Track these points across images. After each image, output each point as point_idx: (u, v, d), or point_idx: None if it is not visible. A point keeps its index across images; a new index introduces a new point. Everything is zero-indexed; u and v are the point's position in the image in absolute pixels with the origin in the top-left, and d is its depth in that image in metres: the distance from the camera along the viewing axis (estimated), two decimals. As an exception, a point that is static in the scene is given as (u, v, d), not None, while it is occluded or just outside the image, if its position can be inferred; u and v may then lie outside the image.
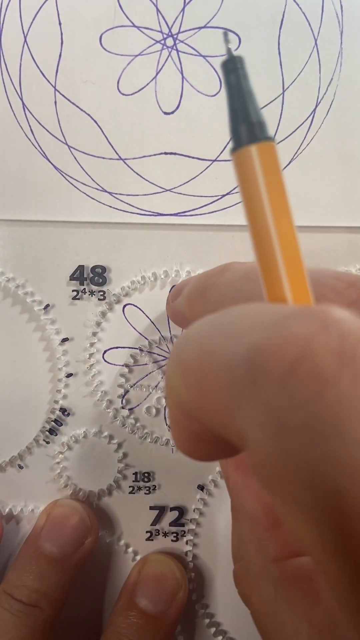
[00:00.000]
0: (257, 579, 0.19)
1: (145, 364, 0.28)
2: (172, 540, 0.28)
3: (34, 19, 0.28)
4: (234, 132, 0.16)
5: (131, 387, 0.28)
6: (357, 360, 0.11)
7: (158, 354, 0.28)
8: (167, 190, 0.28)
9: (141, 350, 0.28)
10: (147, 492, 0.28)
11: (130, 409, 0.28)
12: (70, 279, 0.28)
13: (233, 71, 0.16)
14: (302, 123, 0.28)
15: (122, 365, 0.28)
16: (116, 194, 0.28)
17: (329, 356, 0.11)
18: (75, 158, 0.28)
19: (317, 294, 0.15)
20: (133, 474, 0.28)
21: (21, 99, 0.28)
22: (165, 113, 0.28)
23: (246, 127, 0.16)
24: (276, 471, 0.11)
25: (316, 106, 0.29)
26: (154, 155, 0.28)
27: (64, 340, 0.28)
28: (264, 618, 0.19)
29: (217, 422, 0.13)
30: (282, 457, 0.11)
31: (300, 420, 0.11)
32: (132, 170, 0.28)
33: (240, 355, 0.12)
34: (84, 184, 0.28)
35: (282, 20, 0.28)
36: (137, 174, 0.28)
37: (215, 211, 0.28)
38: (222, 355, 0.13)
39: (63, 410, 0.28)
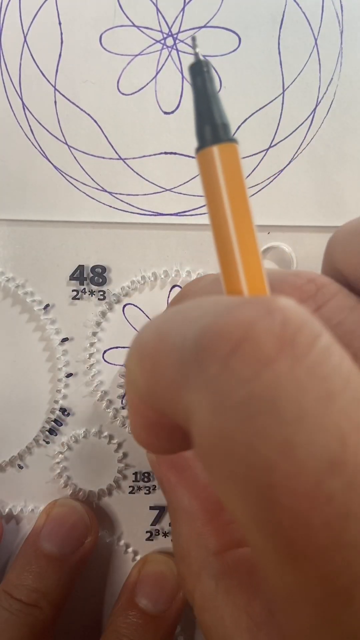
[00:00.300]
0: (198, 574, 0.19)
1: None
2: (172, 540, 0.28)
3: (33, 19, 0.28)
4: (199, 132, 0.17)
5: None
6: (296, 345, 0.12)
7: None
8: (167, 190, 0.28)
9: None
10: (147, 492, 0.28)
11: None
12: (70, 279, 0.28)
13: (199, 74, 0.17)
14: (302, 123, 0.28)
15: (123, 365, 0.28)
16: (116, 193, 0.28)
17: (270, 339, 0.12)
18: (75, 158, 0.28)
19: (276, 291, 0.16)
20: (133, 474, 0.28)
21: (21, 99, 0.28)
22: (165, 113, 0.28)
23: (210, 128, 0.17)
24: (215, 448, 0.12)
25: (316, 106, 0.29)
26: (154, 155, 0.28)
27: (64, 340, 0.28)
28: (204, 613, 0.19)
29: (168, 404, 0.14)
30: (221, 433, 0.12)
31: (238, 398, 0.12)
32: (132, 170, 0.28)
33: (190, 337, 0.13)
34: (84, 184, 0.28)
35: (282, 20, 0.28)
36: (137, 173, 0.28)
37: (215, 211, 0.28)
38: (175, 337, 0.14)
39: (63, 410, 0.28)
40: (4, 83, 0.28)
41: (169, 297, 0.28)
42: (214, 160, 0.16)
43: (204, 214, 0.28)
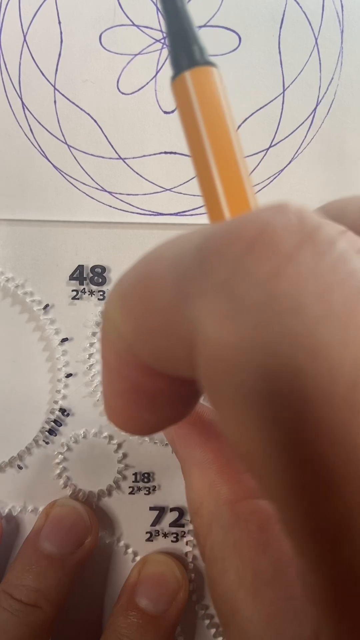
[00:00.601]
0: (209, 525, 0.18)
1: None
2: (172, 541, 0.28)
3: (33, 19, 0.28)
4: (173, 59, 0.15)
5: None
6: (316, 242, 0.11)
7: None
8: (167, 190, 0.28)
9: None
10: (147, 492, 0.28)
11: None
12: (70, 279, 0.28)
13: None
14: (302, 123, 0.28)
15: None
16: (116, 193, 0.28)
17: (289, 234, 0.11)
18: (75, 158, 0.28)
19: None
20: (133, 474, 0.28)
21: (21, 99, 0.28)
22: (165, 112, 0.28)
23: (185, 53, 0.15)
24: (228, 363, 0.11)
25: (316, 106, 0.28)
26: (154, 154, 0.28)
27: (64, 340, 0.28)
28: (212, 565, 0.18)
29: (164, 336, 0.12)
30: (236, 343, 0.10)
31: (256, 298, 0.10)
32: (132, 170, 0.28)
33: (190, 249, 0.12)
34: (84, 184, 0.28)
35: (282, 19, 0.28)
36: (137, 173, 0.28)
37: (215, 211, 0.28)
38: (169, 256, 0.12)
39: (63, 410, 0.28)
40: (3, 83, 0.28)
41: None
42: (187, 86, 0.15)
43: (204, 213, 0.28)
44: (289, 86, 0.28)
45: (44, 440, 0.28)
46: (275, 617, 0.16)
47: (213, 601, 0.18)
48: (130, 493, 0.28)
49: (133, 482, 0.28)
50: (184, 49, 0.15)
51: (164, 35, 0.28)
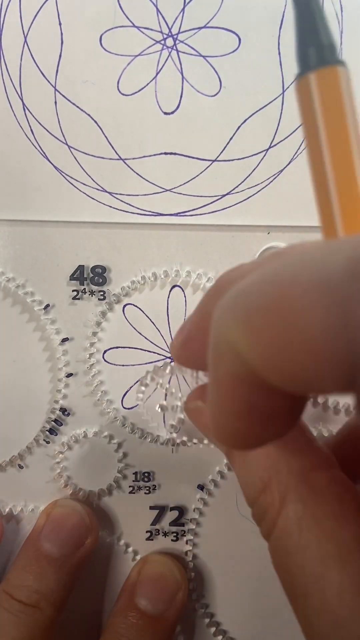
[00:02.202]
0: (283, 500, 0.18)
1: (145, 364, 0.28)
2: (172, 540, 0.28)
3: (34, 19, 0.28)
4: (300, 56, 0.14)
5: (131, 387, 0.28)
6: None
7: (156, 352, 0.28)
8: (167, 190, 0.28)
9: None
10: (147, 492, 0.28)
11: (129, 409, 0.28)
12: (70, 279, 0.28)
13: None
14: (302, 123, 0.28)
15: (124, 365, 0.28)
16: (116, 194, 0.28)
17: None
18: (75, 158, 0.28)
19: None
20: (133, 473, 0.28)
21: (21, 99, 0.28)
22: (165, 113, 0.28)
23: (315, 50, 0.14)
24: None
25: (316, 106, 0.29)
26: (154, 155, 0.28)
27: (64, 340, 0.28)
28: (287, 539, 0.17)
29: (306, 360, 0.12)
30: None
31: None
32: (132, 170, 0.28)
33: (338, 271, 0.12)
34: (84, 184, 0.28)
35: (282, 19, 0.28)
36: (137, 174, 0.28)
37: (215, 211, 0.28)
38: (311, 276, 0.12)
39: (63, 410, 0.28)
40: (4, 83, 0.28)
41: (168, 297, 0.28)
42: (309, 92, 0.14)
43: (204, 214, 0.28)
44: (288, 87, 0.28)
45: (44, 440, 0.28)
46: None
47: (284, 575, 0.17)
48: (131, 492, 0.28)
49: (133, 481, 0.28)
50: (312, 45, 0.14)
51: (164, 36, 0.28)
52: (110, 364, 0.28)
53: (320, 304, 0.12)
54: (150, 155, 0.28)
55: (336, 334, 0.11)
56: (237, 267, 0.18)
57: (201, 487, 0.28)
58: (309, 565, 0.17)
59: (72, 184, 0.28)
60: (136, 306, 0.28)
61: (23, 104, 0.28)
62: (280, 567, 0.18)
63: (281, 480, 0.18)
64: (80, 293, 0.28)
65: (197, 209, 0.28)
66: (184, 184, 0.28)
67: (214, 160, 0.28)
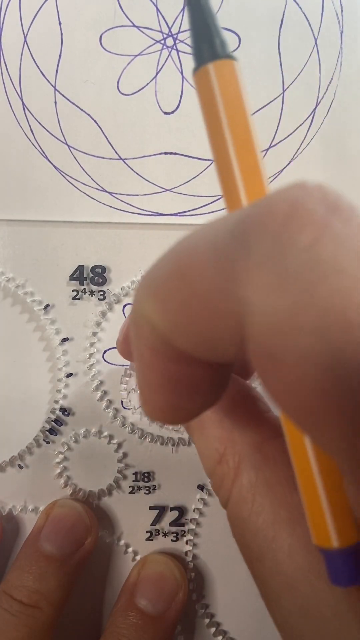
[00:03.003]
0: (237, 469, 0.19)
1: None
2: (172, 540, 0.28)
3: (34, 19, 0.28)
4: (195, 51, 0.16)
5: (132, 389, 0.28)
6: (341, 208, 0.12)
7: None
8: (167, 190, 0.28)
9: None
10: (147, 492, 0.28)
11: (130, 409, 0.28)
12: (70, 279, 0.28)
13: None
14: (302, 123, 0.28)
15: (123, 365, 0.28)
16: (116, 194, 0.28)
17: (318, 206, 0.12)
18: (75, 158, 0.28)
19: None
20: (133, 474, 0.28)
21: (21, 99, 0.28)
22: (165, 113, 0.28)
23: (207, 45, 0.16)
24: (283, 328, 0.11)
25: (316, 106, 0.29)
26: (154, 155, 0.28)
27: (64, 340, 0.28)
28: (242, 505, 0.18)
29: (206, 321, 0.13)
30: (289, 306, 0.11)
31: (300, 266, 0.11)
32: (132, 170, 0.28)
33: (226, 231, 0.13)
34: (84, 184, 0.28)
35: (282, 20, 0.28)
36: (137, 174, 0.28)
37: (215, 211, 0.28)
38: (205, 242, 0.13)
39: (63, 410, 0.28)
40: (4, 83, 0.28)
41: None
42: (210, 78, 0.16)
43: (204, 214, 0.28)
44: (288, 87, 0.28)
45: (44, 440, 0.28)
46: (315, 549, 0.16)
47: (241, 540, 0.18)
48: (131, 492, 0.28)
49: (133, 481, 0.28)
50: (206, 42, 0.16)
51: (164, 36, 0.28)
52: (110, 364, 0.28)
53: (210, 265, 0.13)
54: (150, 155, 0.28)
55: (225, 291, 0.12)
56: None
57: (201, 487, 0.28)
58: (262, 529, 0.17)
59: (72, 184, 0.28)
60: (136, 306, 0.28)
61: (23, 104, 0.28)
62: (237, 533, 0.19)
63: (235, 450, 0.19)
64: (80, 293, 0.28)
65: (197, 209, 0.28)
66: (184, 184, 0.28)
67: (214, 160, 0.28)
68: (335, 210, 0.12)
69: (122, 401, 0.28)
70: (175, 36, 0.28)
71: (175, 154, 0.28)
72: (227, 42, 0.16)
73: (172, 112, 0.28)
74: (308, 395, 0.11)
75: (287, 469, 0.18)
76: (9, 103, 0.28)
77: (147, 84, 0.28)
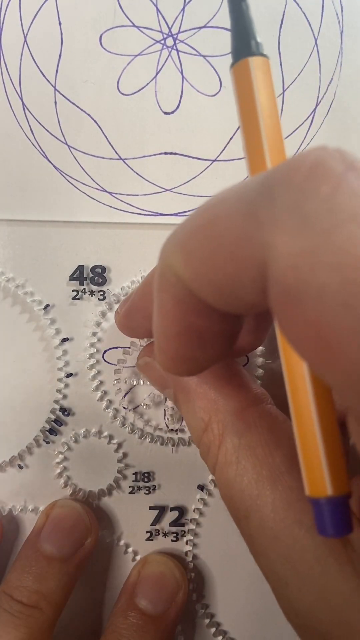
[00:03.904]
0: (222, 435, 0.20)
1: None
2: (172, 540, 0.28)
3: (34, 19, 0.28)
4: (237, 47, 0.19)
5: (132, 388, 0.28)
6: (358, 167, 0.13)
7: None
8: (167, 190, 0.28)
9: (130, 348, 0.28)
10: (147, 492, 0.28)
11: (130, 409, 0.28)
12: (70, 279, 0.28)
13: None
14: (302, 123, 0.28)
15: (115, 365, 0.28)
16: (116, 194, 0.28)
17: (336, 164, 0.13)
18: (75, 158, 0.28)
19: None
20: (133, 474, 0.28)
21: (21, 99, 0.28)
22: (165, 113, 0.28)
23: (248, 43, 0.19)
24: (302, 266, 0.13)
25: (316, 106, 0.29)
26: (154, 155, 0.28)
27: (64, 340, 0.28)
28: (227, 468, 0.20)
29: (230, 270, 0.14)
30: (308, 248, 0.12)
31: (321, 212, 0.13)
32: (132, 170, 0.28)
33: (253, 186, 0.14)
34: (84, 184, 0.28)
35: (282, 20, 0.28)
36: (137, 174, 0.28)
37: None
38: (234, 196, 0.14)
39: (63, 410, 0.28)
40: (4, 83, 0.28)
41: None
42: (248, 69, 0.18)
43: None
44: (288, 87, 0.28)
45: (44, 440, 0.28)
46: (296, 500, 0.18)
47: (229, 501, 0.20)
48: (131, 492, 0.28)
49: (133, 481, 0.28)
50: (247, 40, 0.19)
51: (164, 36, 0.28)
52: (110, 364, 0.28)
53: (237, 216, 0.14)
54: (150, 155, 0.28)
55: (251, 237, 0.14)
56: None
57: (201, 487, 0.28)
58: (247, 488, 0.19)
59: (71, 183, 0.28)
60: (136, 306, 0.28)
61: (23, 103, 0.28)
62: (225, 495, 0.20)
63: (219, 419, 0.21)
64: (80, 293, 0.28)
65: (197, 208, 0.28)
66: (184, 184, 0.28)
67: (214, 160, 0.28)
68: (352, 168, 0.13)
69: (121, 401, 0.28)
70: (175, 36, 0.28)
71: (175, 154, 0.28)
72: (262, 45, 0.19)
73: (172, 112, 0.28)
74: (325, 330, 0.12)
75: (267, 432, 0.20)
76: (9, 103, 0.28)
77: (147, 84, 0.28)
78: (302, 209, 0.13)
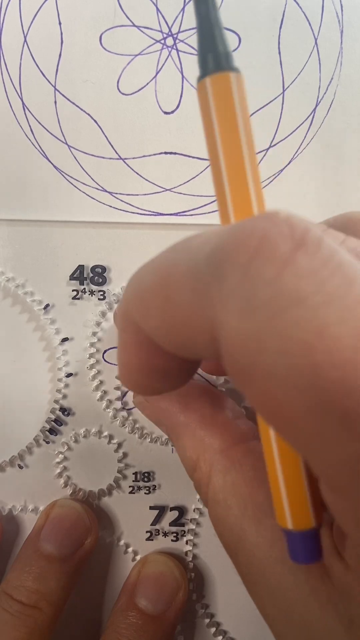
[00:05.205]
0: (209, 474, 0.21)
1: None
2: (172, 540, 0.28)
3: (34, 19, 0.28)
4: (201, 61, 0.17)
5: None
6: (307, 244, 0.13)
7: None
8: (167, 190, 0.28)
9: None
10: (147, 492, 0.28)
11: (130, 409, 0.28)
12: (70, 279, 0.28)
13: (203, 2, 0.16)
14: (302, 123, 0.28)
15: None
16: (116, 194, 0.28)
17: (284, 242, 0.13)
18: (75, 158, 0.28)
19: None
20: (133, 474, 0.28)
21: (21, 99, 0.28)
22: (165, 113, 0.28)
23: (212, 56, 0.16)
24: (249, 349, 0.13)
25: (316, 106, 0.29)
26: (154, 155, 0.28)
27: (64, 340, 0.28)
28: (215, 506, 0.20)
29: (184, 332, 0.15)
30: (254, 333, 0.13)
31: (265, 297, 0.13)
32: (132, 170, 0.28)
33: (203, 257, 0.14)
34: (84, 184, 0.28)
35: (282, 19, 0.28)
36: (137, 173, 0.28)
37: (215, 211, 0.28)
38: (185, 263, 0.15)
39: (63, 410, 0.28)
40: (4, 83, 0.28)
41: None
42: (206, 92, 0.16)
43: (204, 213, 0.28)
44: (288, 86, 0.28)
45: (44, 440, 0.28)
46: (279, 538, 0.18)
47: (219, 537, 0.20)
48: (131, 492, 0.28)
49: (133, 481, 0.28)
50: (211, 52, 0.16)
51: (164, 36, 0.28)
52: (110, 364, 0.28)
53: (188, 286, 0.14)
54: (150, 155, 0.28)
55: (201, 311, 0.14)
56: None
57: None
58: (234, 527, 0.19)
59: (71, 183, 0.28)
60: (136, 306, 0.28)
61: (23, 103, 0.28)
62: (217, 532, 0.21)
63: (206, 458, 0.21)
64: (80, 293, 0.28)
65: (197, 208, 0.28)
66: (184, 183, 0.28)
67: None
68: (301, 244, 0.13)
69: (121, 402, 0.28)
70: (175, 36, 0.28)
71: (175, 153, 0.28)
72: (231, 55, 0.16)
73: (172, 112, 0.28)
74: (275, 404, 0.13)
75: (251, 470, 0.20)
76: (9, 103, 0.28)
77: (147, 83, 0.28)
78: (248, 293, 0.13)
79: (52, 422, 0.28)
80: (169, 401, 0.23)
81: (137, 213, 0.28)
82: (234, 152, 0.16)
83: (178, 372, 0.17)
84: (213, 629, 0.28)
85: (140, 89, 0.28)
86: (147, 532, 0.28)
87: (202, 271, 0.14)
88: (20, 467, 0.28)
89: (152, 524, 0.28)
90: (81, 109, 0.28)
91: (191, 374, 0.18)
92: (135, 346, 0.17)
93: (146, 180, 0.28)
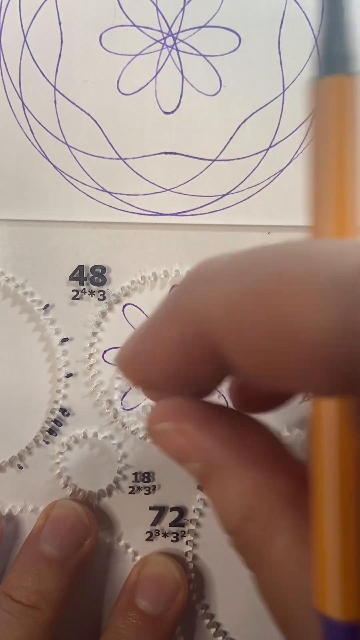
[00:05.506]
0: (270, 527, 0.16)
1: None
2: (172, 541, 0.28)
3: (33, 19, 0.28)
4: (326, 59, 0.15)
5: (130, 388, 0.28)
6: None
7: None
8: (167, 190, 0.28)
9: None
10: (147, 492, 0.28)
11: (130, 409, 0.28)
12: (70, 279, 0.28)
13: (336, 2, 0.15)
14: (302, 123, 0.28)
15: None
16: (116, 194, 0.28)
17: None
18: (75, 158, 0.28)
19: None
20: (133, 474, 0.28)
21: (21, 99, 0.28)
22: (165, 113, 0.28)
23: (337, 57, 0.15)
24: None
25: (316, 106, 0.28)
26: (154, 155, 0.28)
27: (64, 340, 0.28)
28: (278, 571, 0.16)
29: (295, 366, 0.12)
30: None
31: None
32: (132, 170, 0.28)
33: (350, 272, 0.11)
34: (84, 184, 0.28)
35: (282, 19, 0.28)
36: (137, 173, 0.28)
37: (215, 211, 0.28)
38: (312, 277, 0.12)
39: (63, 410, 0.28)
40: (4, 83, 0.28)
41: (169, 297, 0.28)
42: (330, 91, 0.15)
43: (204, 214, 0.28)
44: (289, 86, 0.28)
45: (44, 440, 0.28)
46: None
47: (279, 608, 0.16)
48: (131, 493, 0.28)
49: (133, 481, 0.28)
50: (338, 55, 0.15)
51: (164, 36, 0.28)
52: (110, 364, 0.28)
53: (323, 306, 0.11)
54: (150, 155, 0.28)
55: (338, 340, 0.11)
56: (214, 259, 0.16)
57: (201, 488, 0.28)
58: (304, 597, 0.15)
59: (71, 183, 0.28)
60: (136, 306, 0.28)
61: (23, 103, 0.28)
62: (272, 600, 0.16)
63: (266, 507, 0.16)
64: (80, 293, 0.28)
65: (197, 208, 0.28)
66: (184, 183, 0.28)
67: (214, 160, 0.28)
68: None
69: (121, 402, 0.28)
70: (175, 36, 0.28)
71: (175, 153, 0.28)
72: (356, 60, 0.15)
73: (172, 112, 0.28)
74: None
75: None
76: (9, 103, 0.28)
77: (147, 83, 0.28)
78: None
79: (52, 423, 0.28)
80: (210, 433, 0.17)
81: (137, 213, 0.28)
82: (347, 156, 0.15)
83: (206, 380, 0.15)
84: (213, 630, 0.28)
85: (140, 89, 0.28)
86: (147, 532, 0.28)
87: (349, 289, 0.11)
88: (20, 467, 0.28)
89: (152, 525, 0.28)
90: (81, 109, 0.28)
91: (216, 387, 0.16)
92: (180, 344, 0.14)
93: (146, 180, 0.28)
